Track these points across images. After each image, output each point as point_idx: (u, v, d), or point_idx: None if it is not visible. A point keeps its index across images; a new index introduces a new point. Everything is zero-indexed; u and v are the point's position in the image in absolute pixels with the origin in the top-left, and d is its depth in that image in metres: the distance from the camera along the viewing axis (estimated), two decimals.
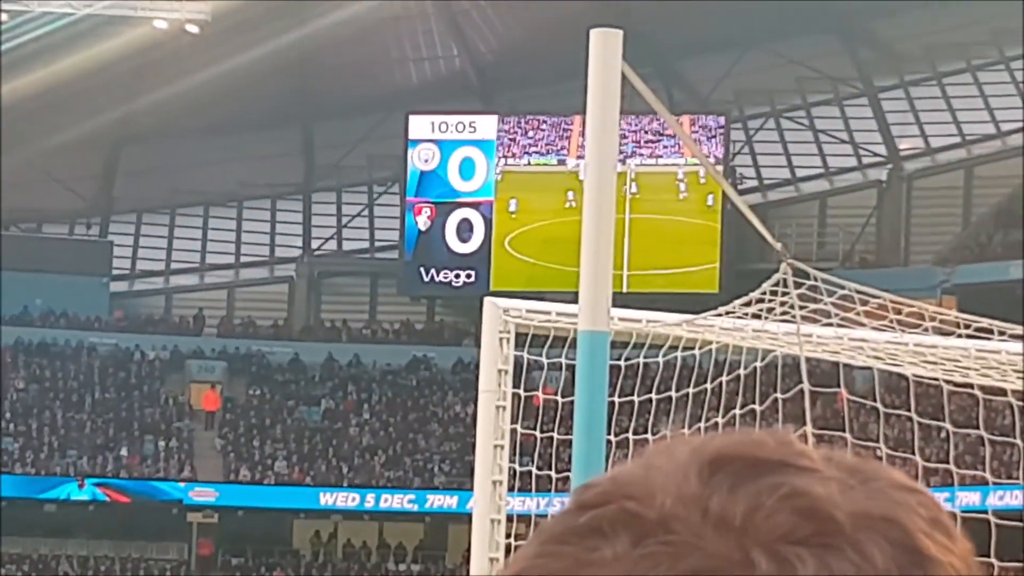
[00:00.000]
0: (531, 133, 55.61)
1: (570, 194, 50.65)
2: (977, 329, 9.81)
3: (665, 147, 52.14)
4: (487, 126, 56.98)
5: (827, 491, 0.56)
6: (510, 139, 56.32)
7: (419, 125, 56.92)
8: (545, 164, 54.21)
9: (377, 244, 62.80)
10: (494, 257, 55.36)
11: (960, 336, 10.04)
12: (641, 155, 53.56)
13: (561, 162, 54.45)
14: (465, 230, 56.68)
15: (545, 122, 53.58)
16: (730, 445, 0.60)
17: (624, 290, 45.90)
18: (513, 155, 56.17)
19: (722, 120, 54.58)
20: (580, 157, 46.52)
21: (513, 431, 8.29)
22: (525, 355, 8.67)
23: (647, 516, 0.56)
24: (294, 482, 52.79)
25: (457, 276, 55.70)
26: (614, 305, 7.56)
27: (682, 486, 0.57)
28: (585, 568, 0.56)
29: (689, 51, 54.79)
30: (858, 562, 0.54)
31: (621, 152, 51.98)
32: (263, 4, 48.31)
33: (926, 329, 10.17)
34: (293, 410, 55.99)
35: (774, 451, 0.59)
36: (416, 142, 56.92)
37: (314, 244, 63.00)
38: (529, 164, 55.52)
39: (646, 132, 51.26)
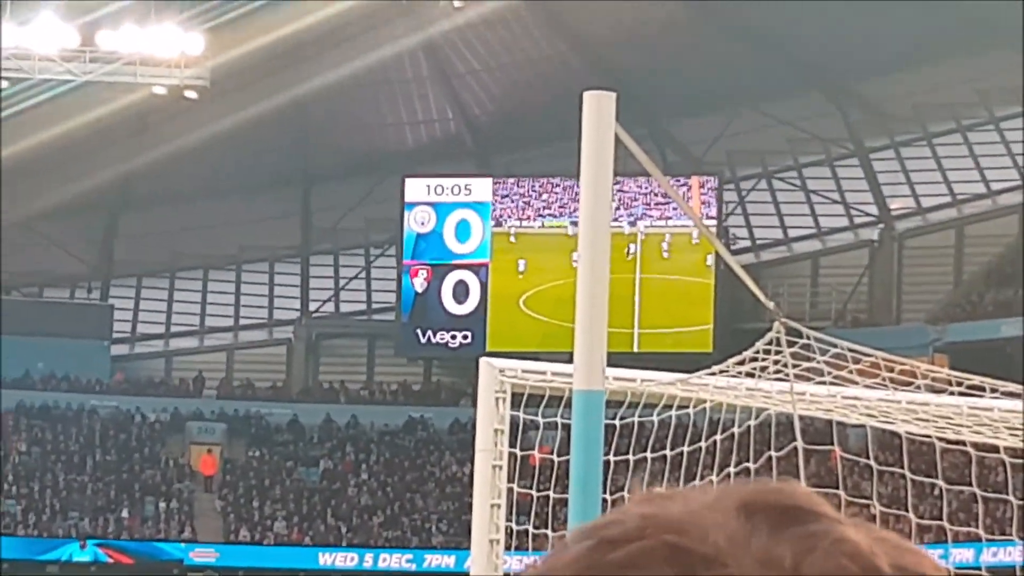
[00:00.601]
0: (544, 196, 55.85)
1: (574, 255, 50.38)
2: (969, 387, 9.82)
3: (674, 208, 52.41)
4: (482, 188, 57.26)
5: (867, 541, 0.58)
6: (524, 201, 56.51)
7: (415, 188, 57.22)
8: (558, 226, 54.28)
9: (374, 306, 62.81)
10: (491, 320, 55.48)
11: (952, 393, 10.06)
12: (650, 216, 53.87)
13: (574, 223, 54.32)
14: (461, 292, 56.75)
15: (558, 185, 53.68)
16: (758, 492, 0.61)
17: (635, 350, 46.53)
18: (527, 217, 56.37)
19: (715, 181, 54.96)
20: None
21: (510, 490, 8.22)
22: (521, 415, 8.61)
23: (697, 551, 0.56)
24: (293, 542, 52.56)
25: (454, 337, 55.72)
26: (627, 365, 7.54)
27: (727, 525, 0.57)
28: None
29: (682, 112, 55.22)
30: None
31: (631, 214, 53.48)
32: (260, 68, 48.61)
33: (918, 387, 10.20)
34: (292, 471, 55.85)
35: (803, 500, 0.59)
36: (412, 205, 57.15)
37: (312, 306, 63.11)
38: (543, 226, 55.74)
39: (656, 195, 51.23)
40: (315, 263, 63.28)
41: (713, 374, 9.79)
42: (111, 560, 50.92)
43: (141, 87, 49.62)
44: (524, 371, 8.69)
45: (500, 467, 8.13)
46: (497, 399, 8.32)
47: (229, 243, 61.60)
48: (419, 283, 57.33)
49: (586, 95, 6.33)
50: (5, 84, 48.63)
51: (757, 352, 8.61)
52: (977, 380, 9.85)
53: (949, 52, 51.85)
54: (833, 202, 59.37)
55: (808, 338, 8.85)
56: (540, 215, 56.07)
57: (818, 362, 9.02)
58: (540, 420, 8.78)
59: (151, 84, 49.63)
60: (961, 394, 10.07)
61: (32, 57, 48.36)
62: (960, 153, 57.12)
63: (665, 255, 54.42)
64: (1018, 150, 55.96)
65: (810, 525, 0.59)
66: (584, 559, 0.58)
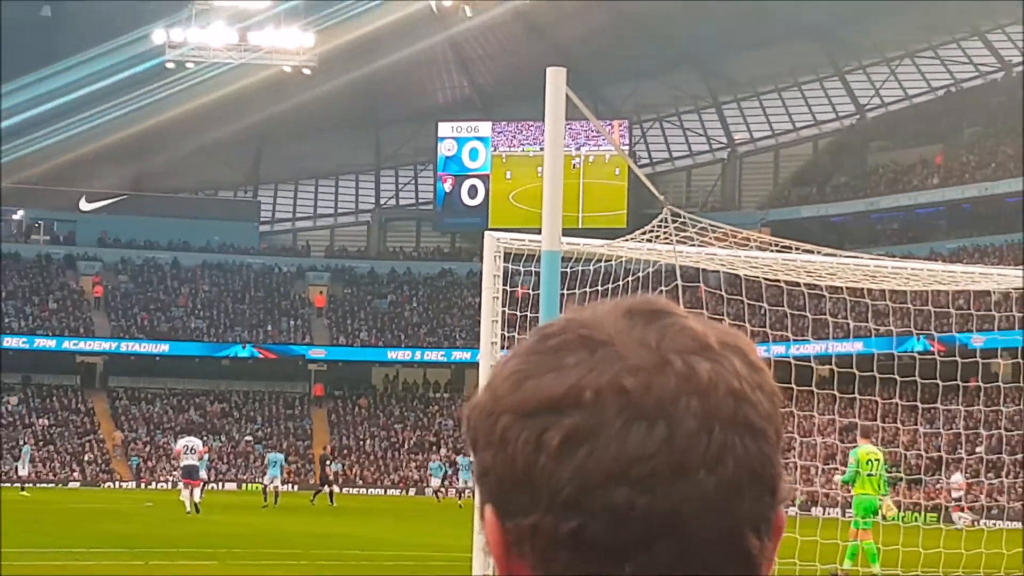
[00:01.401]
0: (523, 133, 56.44)
1: (539, 169, 51.81)
2: (782, 247, 9.75)
3: (603, 140, 53.02)
4: (485, 128, 58.49)
5: (703, 328, 0.56)
6: (511, 136, 57.05)
7: (444, 128, 58.38)
8: (532, 151, 54.27)
9: (420, 200, 64.17)
10: (491, 208, 56.41)
11: (772, 251, 9.98)
12: (588, 145, 54.81)
13: (541, 149, 54.50)
14: (473, 192, 58.07)
15: (532, 126, 53.25)
16: (637, 301, 0.59)
17: (579, 226, 46.61)
18: (513, 145, 57.21)
19: (627, 123, 56.19)
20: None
21: (503, 312, 7.78)
22: (510, 266, 8.24)
23: (598, 338, 0.54)
24: (372, 345, 54.81)
25: (469, 219, 56.36)
26: (574, 235, 8.00)
27: (618, 322, 0.55)
28: (558, 369, 0.53)
29: (608, 80, 55.48)
30: (728, 367, 0.53)
31: (576, 143, 52.54)
32: (347, 54, 49.16)
33: (751, 248, 10.13)
34: (371, 302, 57.65)
35: (664, 304, 0.58)
36: (443, 139, 58.31)
37: (382, 201, 64.62)
38: (523, 151, 56.35)
39: (592, 132, 51.77)
40: (384, 175, 64.26)
41: (627, 240, 9.58)
42: (261, 356, 53.32)
43: (275, 67, 50.73)
44: (512, 239, 8.30)
45: (497, 298, 7.68)
46: (495, 256, 7.86)
47: (330, 162, 62.48)
48: (447, 187, 58.53)
49: (549, 71, 5.93)
50: (191, 65, 50.04)
51: (654, 227, 8.38)
52: (788, 243, 9.71)
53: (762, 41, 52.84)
54: (699, 135, 60.90)
55: (685, 218, 8.48)
56: (521, 144, 56.80)
57: (690, 232, 8.67)
58: (522, 269, 8.33)
59: (281, 64, 50.73)
60: (777, 251, 9.91)
61: (208, 48, 49.92)
62: (777, 106, 58.71)
63: (597, 168, 55.30)
64: (814, 104, 57.99)
65: (667, 319, 0.57)
66: (532, 345, 0.56)
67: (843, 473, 14.49)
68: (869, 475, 13.59)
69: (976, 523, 20.41)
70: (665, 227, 7.92)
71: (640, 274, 9.59)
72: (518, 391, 0.54)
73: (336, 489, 34.91)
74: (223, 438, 51.09)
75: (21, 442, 43.37)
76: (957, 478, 27.21)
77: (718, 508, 0.51)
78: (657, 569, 0.51)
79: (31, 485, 38.50)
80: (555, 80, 6.01)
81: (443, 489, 39.14)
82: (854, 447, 14.46)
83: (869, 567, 12.89)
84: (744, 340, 0.59)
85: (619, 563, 0.51)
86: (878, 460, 13.79)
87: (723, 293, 11.76)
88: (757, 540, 0.53)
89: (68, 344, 52.44)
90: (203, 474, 30.27)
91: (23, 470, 37.96)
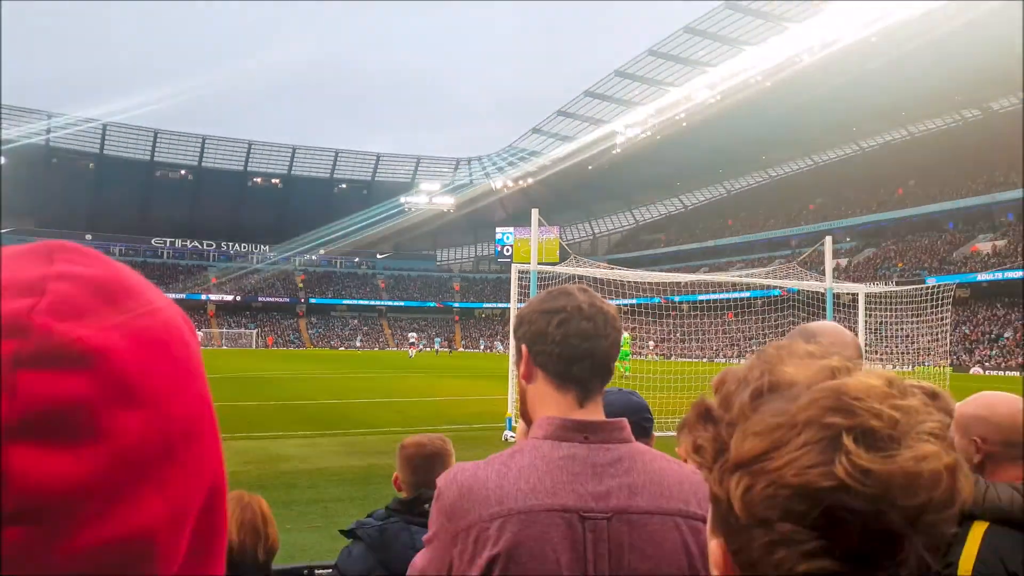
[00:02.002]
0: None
1: None
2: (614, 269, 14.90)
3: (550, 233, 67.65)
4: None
5: (596, 296, 1.40)
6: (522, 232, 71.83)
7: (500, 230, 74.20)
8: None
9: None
10: (514, 257, 72.39)
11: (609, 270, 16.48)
12: (547, 235, 69.75)
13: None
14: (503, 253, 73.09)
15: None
16: (579, 286, 1.47)
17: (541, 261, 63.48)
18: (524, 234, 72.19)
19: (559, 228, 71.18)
20: None
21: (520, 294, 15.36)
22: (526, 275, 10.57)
23: (568, 291, 1.40)
24: None
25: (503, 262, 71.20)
26: (541, 266, 11.76)
27: (575, 291, 1.40)
28: (554, 301, 1.38)
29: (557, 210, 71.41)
30: (605, 305, 1.40)
31: (542, 233, 70.73)
32: None
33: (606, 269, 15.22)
34: None
35: (584, 288, 1.43)
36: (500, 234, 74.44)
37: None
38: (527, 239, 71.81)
39: (546, 231, 66.98)
40: None
41: (560, 265, 17.22)
42: None
43: None
44: (521, 267, 11.22)
45: (521, 288, 8.31)
46: (519, 271, 11.58)
47: None
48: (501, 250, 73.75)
49: (533, 210, 11.37)
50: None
51: (569, 262, 14.61)
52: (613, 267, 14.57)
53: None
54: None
55: (579, 259, 14.79)
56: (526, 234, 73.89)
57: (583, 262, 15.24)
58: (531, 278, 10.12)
59: None
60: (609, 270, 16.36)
61: None
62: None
63: (549, 244, 69.97)
64: None
65: (587, 293, 1.44)
66: (543, 296, 1.45)
67: None
68: None
69: None
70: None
71: (561, 279, 13.12)
72: (540, 306, 1.36)
73: None
74: None
75: None
76: None
77: (609, 350, 1.35)
78: (585, 374, 1.33)
79: None
80: (535, 214, 11.52)
81: None
82: None
83: None
84: (608, 304, 1.39)
85: (569, 367, 1.34)
86: None
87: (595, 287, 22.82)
88: (613, 364, 1.39)
89: None
90: None
91: None
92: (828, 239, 14.11)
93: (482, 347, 72.92)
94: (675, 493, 1.30)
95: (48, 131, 72.00)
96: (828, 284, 13.92)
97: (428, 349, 64.15)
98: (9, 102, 70.28)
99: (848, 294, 16.23)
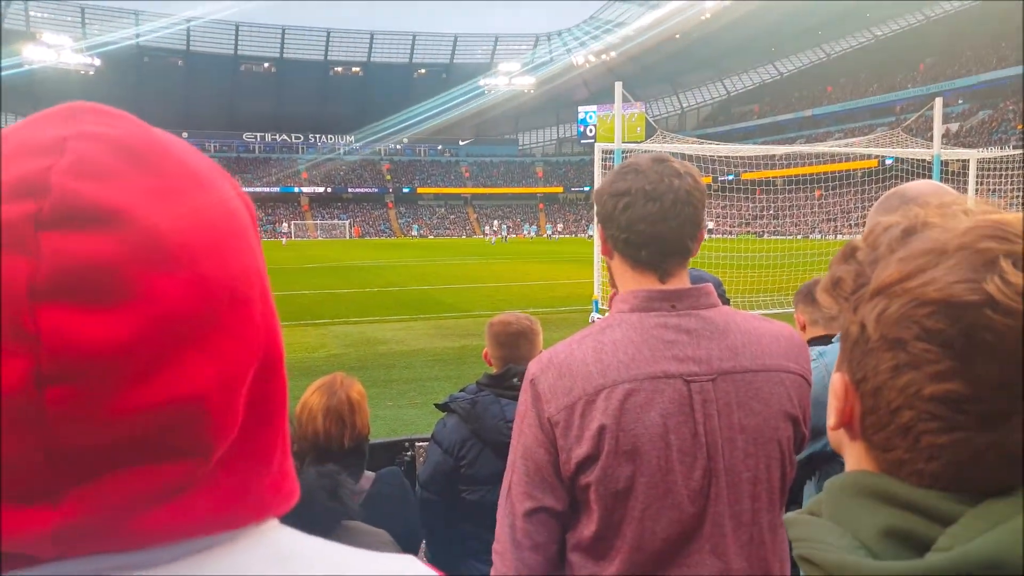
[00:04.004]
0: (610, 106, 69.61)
1: None
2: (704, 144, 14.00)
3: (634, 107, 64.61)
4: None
5: (677, 164, 1.37)
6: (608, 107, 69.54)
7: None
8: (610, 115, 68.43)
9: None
10: (597, 136, 70.85)
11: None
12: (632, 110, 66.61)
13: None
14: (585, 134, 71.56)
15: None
16: (655, 155, 1.39)
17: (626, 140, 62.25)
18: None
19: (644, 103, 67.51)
20: None
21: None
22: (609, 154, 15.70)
23: (638, 168, 1.34)
24: None
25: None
26: (626, 144, 13.66)
27: (647, 163, 1.35)
28: (623, 179, 1.34)
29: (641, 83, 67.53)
30: (684, 182, 1.34)
31: (625, 109, 67.92)
32: None
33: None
34: None
35: (665, 157, 1.40)
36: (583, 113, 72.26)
37: None
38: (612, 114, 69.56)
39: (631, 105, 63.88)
40: None
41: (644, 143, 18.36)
42: None
43: None
44: (604, 146, 10.88)
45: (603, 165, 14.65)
46: (602, 151, 11.05)
47: None
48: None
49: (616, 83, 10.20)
50: None
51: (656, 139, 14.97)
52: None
53: None
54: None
55: (667, 135, 14.48)
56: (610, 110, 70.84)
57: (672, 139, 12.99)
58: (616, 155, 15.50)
59: None
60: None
61: None
62: None
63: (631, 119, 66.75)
64: None
65: (665, 163, 1.37)
66: (616, 170, 1.39)
67: None
68: None
69: None
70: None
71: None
72: (609, 187, 1.33)
73: None
74: None
75: None
76: None
77: (680, 231, 1.31)
78: (655, 258, 1.32)
79: None
80: (619, 88, 11.12)
81: None
82: None
83: None
84: (694, 169, 1.35)
85: (637, 252, 1.32)
86: None
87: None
88: (691, 243, 1.33)
89: None
90: None
91: None
92: (938, 101, 13.04)
93: (554, 232, 71.76)
94: (776, 351, 1.31)
95: (137, 32, 73.42)
96: (936, 150, 12.98)
97: (509, 236, 61.23)
98: (98, 3, 71.58)
99: (958, 161, 15.09)
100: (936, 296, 0.51)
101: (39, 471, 0.38)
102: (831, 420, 0.59)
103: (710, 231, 30.31)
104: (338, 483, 1.30)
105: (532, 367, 1.32)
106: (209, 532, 0.43)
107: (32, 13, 70.44)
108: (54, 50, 68.18)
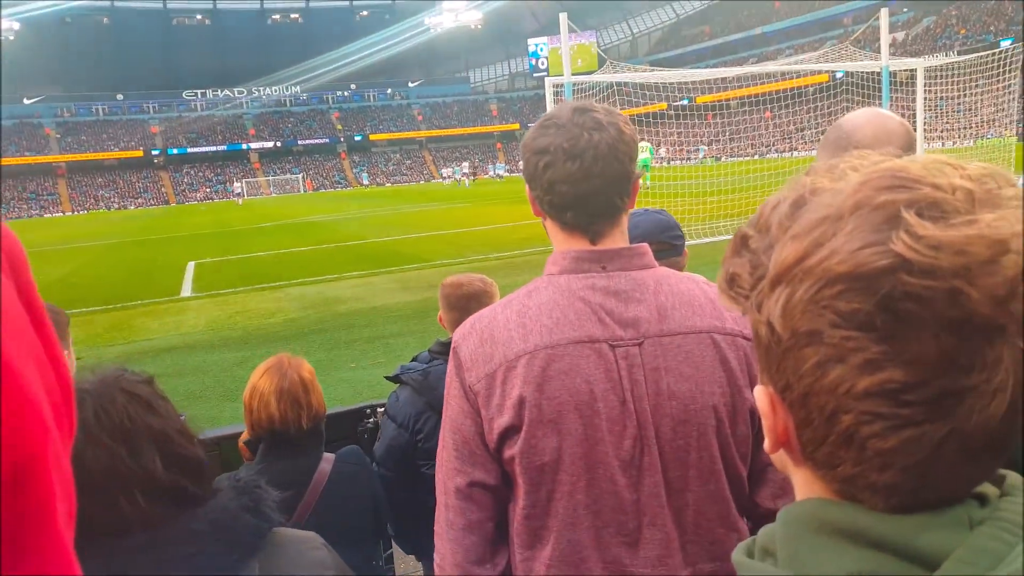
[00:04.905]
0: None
1: None
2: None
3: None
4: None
5: (601, 114, 1.25)
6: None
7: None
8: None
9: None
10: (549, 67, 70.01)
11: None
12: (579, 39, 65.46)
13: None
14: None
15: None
16: (578, 103, 1.26)
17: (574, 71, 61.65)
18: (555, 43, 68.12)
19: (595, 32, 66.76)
20: None
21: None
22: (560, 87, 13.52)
23: (558, 122, 1.23)
24: None
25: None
26: (575, 75, 10.69)
27: (567, 114, 1.25)
28: (543, 136, 1.23)
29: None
30: (608, 133, 1.22)
31: (575, 39, 66.63)
32: None
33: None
34: None
35: (587, 105, 1.27)
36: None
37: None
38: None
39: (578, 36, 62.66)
40: None
41: (592, 74, 12.28)
42: None
43: None
44: (555, 80, 10.03)
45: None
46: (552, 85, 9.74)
47: None
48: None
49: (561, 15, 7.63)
50: None
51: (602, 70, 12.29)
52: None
53: None
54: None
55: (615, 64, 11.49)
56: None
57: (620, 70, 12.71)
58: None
59: None
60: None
61: None
62: None
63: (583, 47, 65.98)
64: None
65: (589, 112, 1.24)
66: (538, 124, 1.30)
67: None
68: None
69: None
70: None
71: (591, 91, 12.70)
72: (531, 143, 1.22)
73: None
74: None
75: None
76: None
77: (606, 189, 1.20)
78: (581, 220, 1.22)
79: None
80: (564, 19, 9.86)
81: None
82: None
83: None
84: (620, 116, 1.21)
85: (562, 213, 1.21)
86: None
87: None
88: (620, 200, 1.22)
89: None
90: None
91: None
92: (884, 11, 12.94)
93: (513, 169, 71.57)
94: (708, 311, 1.23)
95: None
96: (884, 62, 12.95)
97: (470, 179, 57.18)
98: None
99: (905, 71, 15.13)
100: (841, 270, 0.43)
101: None
102: (767, 443, 0.52)
103: (664, 159, 30.34)
104: (259, 498, 1.18)
105: (456, 333, 1.27)
106: None
107: None
108: None
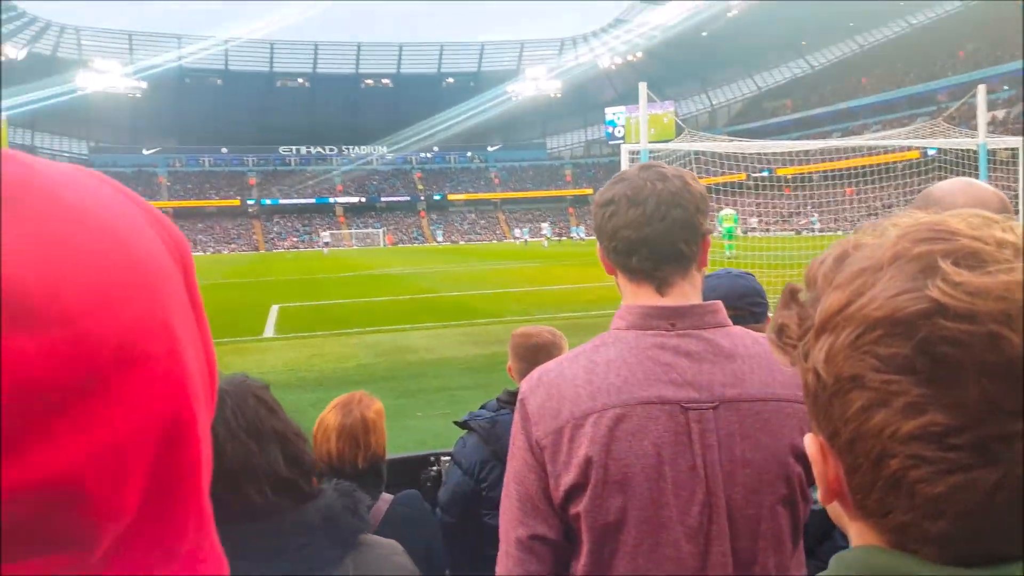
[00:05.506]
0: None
1: None
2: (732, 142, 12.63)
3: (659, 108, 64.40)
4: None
5: (667, 169, 1.29)
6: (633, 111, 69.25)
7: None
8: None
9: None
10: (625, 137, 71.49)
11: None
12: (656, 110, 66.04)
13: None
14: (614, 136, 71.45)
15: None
16: (646, 164, 1.31)
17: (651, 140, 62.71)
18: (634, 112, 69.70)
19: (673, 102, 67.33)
20: None
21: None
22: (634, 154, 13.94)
23: (624, 177, 1.28)
24: None
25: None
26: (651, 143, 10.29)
27: (635, 171, 1.28)
28: (612, 189, 1.28)
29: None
30: (672, 184, 1.26)
31: (650, 109, 68.93)
32: None
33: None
34: None
35: (655, 164, 1.31)
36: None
37: None
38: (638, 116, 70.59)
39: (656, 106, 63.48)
40: None
41: (667, 143, 11.93)
42: None
43: None
44: (631, 147, 9.82)
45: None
46: (627, 151, 15.21)
47: None
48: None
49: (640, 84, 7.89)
50: None
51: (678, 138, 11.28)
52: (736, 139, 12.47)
53: None
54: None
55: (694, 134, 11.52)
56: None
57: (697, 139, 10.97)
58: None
59: None
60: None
61: None
62: None
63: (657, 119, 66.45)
64: None
65: (654, 168, 1.26)
66: (610, 181, 1.33)
67: None
68: None
69: None
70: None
71: (668, 159, 12.37)
72: (599, 198, 1.26)
73: None
74: None
75: None
76: None
77: (669, 234, 1.20)
78: (646, 264, 1.21)
79: None
80: (643, 88, 9.87)
81: None
82: None
83: None
84: (688, 173, 1.26)
85: (627, 260, 1.22)
86: None
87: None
88: (686, 247, 1.22)
89: None
90: None
91: None
92: (981, 88, 12.54)
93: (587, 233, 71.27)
94: (788, 379, 1.18)
95: (180, 55, 75.42)
96: (981, 139, 12.47)
97: (536, 239, 58.36)
98: (144, 29, 73.78)
99: (1006, 149, 14.46)
100: (879, 315, 0.44)
101: None
102: (820, 492, 0.52)
103: (752, 229, 29.87)
104: (356, 499, 1.28)
105: (523, 385, 1.25)
106: None
107: (83, 41, 72.88)
108: (104, 76, 70.59)
